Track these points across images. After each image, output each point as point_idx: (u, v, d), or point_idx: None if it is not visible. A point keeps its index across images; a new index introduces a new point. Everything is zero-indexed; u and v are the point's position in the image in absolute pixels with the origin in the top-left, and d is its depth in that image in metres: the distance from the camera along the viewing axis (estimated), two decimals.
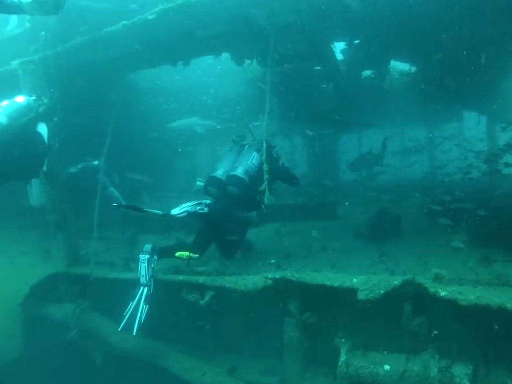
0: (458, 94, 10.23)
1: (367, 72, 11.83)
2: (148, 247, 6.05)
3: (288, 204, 10.11)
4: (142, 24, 6.88)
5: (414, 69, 11.08)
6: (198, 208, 6.16)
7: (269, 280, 5.08)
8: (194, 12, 6.46)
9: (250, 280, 5.25)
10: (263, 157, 6.22)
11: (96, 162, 10.26)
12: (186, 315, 6.13)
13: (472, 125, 14.58)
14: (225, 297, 5.69)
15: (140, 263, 5.92)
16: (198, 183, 6.71)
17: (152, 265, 5.93)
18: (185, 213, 6.09)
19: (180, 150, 14.39)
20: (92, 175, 9.90)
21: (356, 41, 9.42)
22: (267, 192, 6.14)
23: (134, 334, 5.62)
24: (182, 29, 6.95)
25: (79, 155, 9.93)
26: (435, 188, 11.21)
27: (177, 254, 6.13)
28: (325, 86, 12.89)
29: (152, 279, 5.84)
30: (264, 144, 6.27)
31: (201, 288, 5.78)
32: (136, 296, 5.80)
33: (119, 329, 5.82)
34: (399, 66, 11.73)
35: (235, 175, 6.36)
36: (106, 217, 10.07)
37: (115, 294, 6.85)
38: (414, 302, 4.49)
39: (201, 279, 5.79)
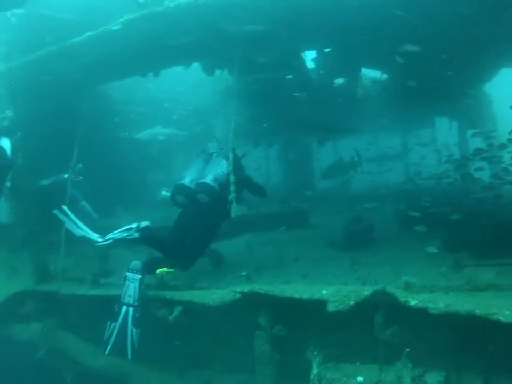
0: (428, 100, 10.33)
1: (339, 81, 11.90)
2: (137, 264, 5.72)
3: (261, 213, 10.04)
4: (107, 35, 6.75)
5: (385, 76, 11.17)
6: (126, 235, 5.72)
7: (237, 294, 4.94)
8: (161, 22, 6.37)
9: (219, 294, 5.11)
10: (230, 168, 6.13)
11: (66, 175, 10.05)
12: (156, 330, 5.93)
13: (444, 131, 14.77)
14: (195, 311, 5.52)
15: (128, 281, 5.57)
16: (163, 193, 6.54)
17: (143, 286, 5.66)
18: (111, 240, 5.69)
19: (148, 163, 14.15)
20: (63, 188, 9.68)
21: (326, 50, 9.46)
22: (234, 204, 6.00)
23: (129, 358, 5.44)
24: (149, 39, 6.84)
25: (47, 168, 9.68)
26: (410, 194, 11.28)
27: (158, 271, 5.88)
28: (298, 94, 12.90)
29: (140, 301, 5.53)
30: (231, 155, 6.16)
31: (170, 303, 5.61)
32: (119, 317, 5.46)
33: (106, 353, 5.55)
34: (370, 73, 11.81)
35: (205, 183, 6.24)
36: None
37: (84, 311, 6.66)
38: (386, 312, 4.40)
39: (169, 294, 5.63)
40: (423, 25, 6.95)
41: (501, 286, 4.56)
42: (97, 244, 5.75)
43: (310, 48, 8.82)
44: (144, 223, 5.91)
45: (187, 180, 6.32)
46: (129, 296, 5.54)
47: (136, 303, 5.47)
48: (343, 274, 5.68)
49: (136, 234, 5.72)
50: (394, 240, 7.41)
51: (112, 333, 5.39)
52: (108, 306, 5.69)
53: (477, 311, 3.63)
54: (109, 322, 5.44)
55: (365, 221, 7.66)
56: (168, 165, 16.47)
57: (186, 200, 6.30)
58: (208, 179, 6.23)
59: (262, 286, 4.90)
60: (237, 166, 6.66)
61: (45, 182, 9.73)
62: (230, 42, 6.75)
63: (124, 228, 5.76)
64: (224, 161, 6.56)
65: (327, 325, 4.76)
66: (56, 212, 5.92)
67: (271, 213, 10.17)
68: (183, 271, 6.13)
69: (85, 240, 5.86)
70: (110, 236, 5.67)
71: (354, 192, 15.34)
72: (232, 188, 6.02)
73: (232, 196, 6.05)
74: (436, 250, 6.06)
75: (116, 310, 5.46)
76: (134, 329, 5.37)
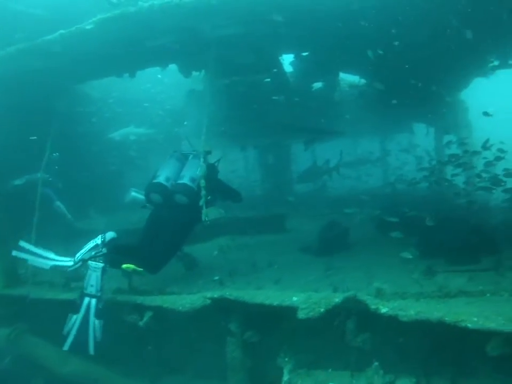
0: (405, 105, 10.42)
1: (318, 84, 11.93)
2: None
3: (237, 217, 9.97)
4: (80, 34, 6.59)
5: (363, 81, 11.22)
6: (94, 253, 5.53)
7: (207, 300, 4.85)
8: (135, 23, 6.24)
9: (189, 300, 5.00)
10: (201, 172, 6.01)
11: (39, 174, 9.82)
12: (128, 336, 5.79)
13: (422, 137, 14.92)
14: (166, 316, 5.40)
15: (89, 270, 5.39)
16: (132, 193, 6.36)
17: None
18: (81, 262, 5.52)
19: (125, 164, 13.94)
20: (36, 188, 9.47)
21: (304, 54, 9.47)
22: (204, 209, 5.88)
23: (92, 353, 5.23)
24: (123, 39, 6.71)
25: (19, 167, 9.44)
26: (387, 198, 11.35)
27: (124, 266, 5.62)
28: (276, 97, 12.88)
29: (103, 292, 5.35)
30: (202, 159, 6.06)
31: (140, 308, 5.47)
32: (81, 309, 5.24)
33: (64, 349, 5.29)
34: (348, 78, 11.87)
35: (184, 184, 6.08)
36: (50, 232, 9.66)
37: (55, 316, 6.46)
38: (358, 318, 4.37)
39: (140, 299, 5.49)
40: (397, 33, 7.03)
41: (471, 293, 4.57)
42: (70, 270, 5.57)
43: (287, 51, 8.78)
44: (109, 235, 5.73)
45: (162, 179, 6.12)
46: (91, 286, 5.35)
47: (99, 294, 5.29)
48: (316, 280, 5.64)
49: (104, 250, 5.56)
50: (369, 245, 7.40)
51: (73, 326, 5.18)
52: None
53: (446, 319, 3.62)
54: (70, 315, 5.22)
55: (340, 226, 7.62)
56: (146, 166, 16.24)
57: (162, 200, 6.11)
58: (186, 180, 6.09)
59: (232, 292, 4.82)
60: (212, 169, 6.59)
61: (18, 182, 9.47)
62: (205, 43, 6.66)
63: (91, 246, 5.58)
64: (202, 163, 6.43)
65: (298, 331, 4.72)
66: (14, 253, 5.69)
67: (247, 217, 10.10)
68: (152, 274, 5.92)
69: (57, 270, 5.67)
70: (79, 257, 5.49)
71: (332, 195, 15.39)
72: (203, 192, 5.90)
73: (202, 201, 5.91)
74: (410, 256, 6.06)
75: (78, 301, 5.28)
76: (97, 321, 5.16)
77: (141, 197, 6.33)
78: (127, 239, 6.26)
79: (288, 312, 4.33)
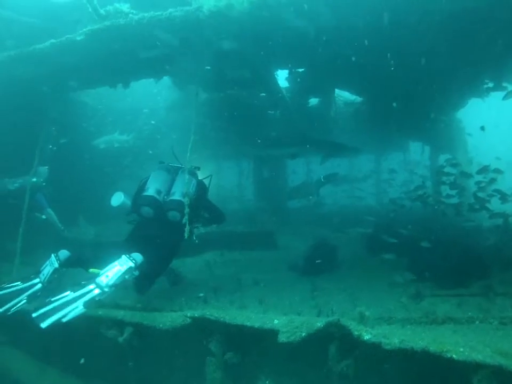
0: (401, 124, 10.39)
1: (314, 101, 11.90)
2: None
3: (227, 232, 9.84)
4: (70, 44, 6.52)
5: (358, 98, 11.20)
6: (128, 276, 4.99)
7: (188, 319, 4.70)
8: (124, 35, 6.17)
9: (169, 317, 4.86)
10: (187, 190, 5.79)
11: (34, 179, 9.70)
12: (108, 350, 5.61)
13: (417, 155, 14.88)
14: (147, 333, 5.23)
15: (48, 263, 5.27)
16: (123, 198, 6.00)
17: (55, 275, 5.24)
18: (113, 289, 4.87)
19: (118, 172, 13.85)
20: (30, 193, 9.34)
21: (300, 70, 9.45)
22: (187, 226, 5.70)
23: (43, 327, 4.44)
24: (114, 51, 6.64)
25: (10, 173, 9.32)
26: (380, 217, 11.23)
27: (91, 269, 5.07)
28: (272, 112, 12.86)
29: (112, 288, 4.79)
30: (187, 176, 5.89)
31: (120, 324, 5.30)
32: (80, 289, 4.69)
33: (33, 315, 4.53)
34: (345, 95, 11.85)
35: (178, 200, 5.77)
36: (39, 239, 9.50)
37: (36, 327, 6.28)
38: (341, 343, 4.21)
39: (120, 314, 5.32)
40: (393, 53, 7.00)
41: (459, 319, 4.47)
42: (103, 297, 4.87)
43: (281, 67, 8.74)
44: (138, 258, 5.17)
45: (153, 191, 5.79)
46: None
47: (107, 289, 4.73)
48: (301, 301, 5.49)
49: (137, 272, 5.11)
50: (358, 265, 7.28)
51: (61, 299, 4.59)
52: None
53: (430, 348, 3.47)
54: (68, 290, 4.71)
55: (327, 245, 7.49)
56: (140, 174, 16.10)
57: (153, 214, 5.78)
58: (179, 196, 5.82)
59: (213, 312, 4.66)
60: (202, 187, 6.39)
61: (11, 187, 9.31)
62: (197, 57, 6.60)
63: (123, 270, 4.93)
64: (193, 180, 6.17)
65: (280, 354, 4.54)
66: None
67: (237, 232, 9.97)
68: (140, 295, 5.67)
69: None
70: (111, 283, 4.78)
71: (326, 212, 15.30)
72: (186, 209, 5.69)
73: (185, 218, 5.70)
74: (401, 280, 5.94)
75: (83, 282, 4.81)
76: (82, 308, 4.57)
77: (129, 203, 6.04)
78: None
79: (269, 335, 4.17)
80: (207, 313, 4.62)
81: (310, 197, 13.64)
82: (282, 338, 4.00)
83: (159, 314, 5.06)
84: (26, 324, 6.09)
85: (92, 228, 11.19)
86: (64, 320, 4.43)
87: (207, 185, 6.55)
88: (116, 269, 4.82)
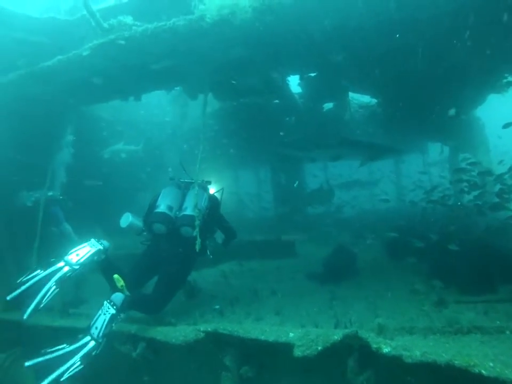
0: (418, 125, 10.13)
1: (329, 105, 11.73)
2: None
3: (246, 241, 9.70)
4: (78, 60, 6.50)
5: (374, 100, 10.97)
6: (114, 324, 4.92)
7: (201, 333, 4.56)
8: (130, 47, 6.13)
9: (182, 332, 4.72)
10: (196, 202, 5.69)
11: (51, 193, 9.75)
12: (122, 365, 5.50)
13: (436, 156, 14.55)
14: (162, 347, 5.10)
15: (101, 311, 4.84)
16: (131, 219, 5.93)
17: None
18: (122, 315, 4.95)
19: (137, 185, 13.87)
20: (46, 207, 9.39)
21: (312, 74, 9.30)
22: (198, 240, 5.53)
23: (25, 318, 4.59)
24: (121, 64, 6.62)
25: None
26: (400, 220, 10.96)
27: (115, 275, 5.12)
28: (287, 118, 12.75)
29: (105, 339, 4.71)
30: (196, 188, 5.79)
31: (134, 339, 5.19)
32: (76, 343, 4.57)
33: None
34: (359, 98, 11.64)
35: (191, 216, 5.62)
36: (53, 254, 9.51)
37: (51, 342, 6.23)
38: (360, 355, 4.00)
39: (133, 329, 5.21)
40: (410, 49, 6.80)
41: (487, 329, 4.18)
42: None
43: (293, 72, 8.58)
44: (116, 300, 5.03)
45: (164, 208, 5.68)
46: (96, 328, 4.69)
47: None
48: (319, 311, 5.30)
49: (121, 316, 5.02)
50: (379, 271, 7.03)
51: (56, 352, 4.48)
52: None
53: (456, 362, 3.23)
54: (64, 343, 4.60)
55: (347, 251, 7.28)
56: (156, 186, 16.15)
57: (166, 230, 5.66)
58: (191, 211, 5.68)
59: (226, 326, 4.50)
60: (214, 201, 6.30)
61: (28, 203, 9.34)
62: (205, 67, 6.52)
63: (108, 321, 4.83)
64: (205, 194, 6.08)
65: (297, 367, 4.35)
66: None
67: (255, 240, 9.82)
68: (154, 314, 5.50)
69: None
70: (101, 334, 4.70)
71: (347, 218, 15.05)
72: (197, 222, 5.55)
73: (196, 231, 5.55)
74: (422, 287, 5.71)
75: (80, 336, 4.67)
76: (78, 363, 4.43)
77: (138, 223, 5.94)
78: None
79: (285, 348, 4.00)
80: (221, 327, 4.47)
81: (327, 203, 13.47)
82: (297, 352, 3.82)
83: (172, 329, 4.93)
84: (41, 338, 6.15)
85: (109, 239, 11.17)
86: (62, 379, 4.34)
87: (219, 199, 6.46)
88: (101, 319, 4.78)
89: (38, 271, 4.82)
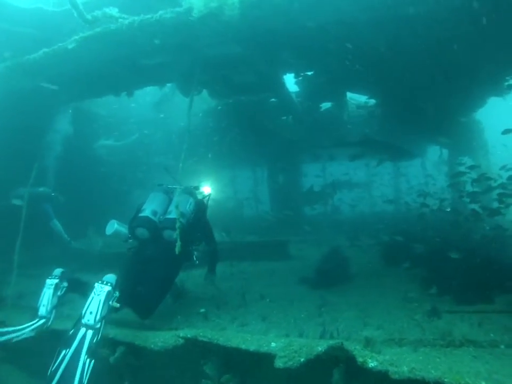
0: (417, 127, 9.93)
1: (326, 105, 11.52)
2: (57, 270, 4.92)
3: (238, 242, 9.52)
4: (63, 53, 6.29)
5: (372, 101, 10.74)
6: (111, 301, 4.62)
7: (180, 339, 4.35)
8: (117, 41, 5.91)
9: (161, 338, 4.51)
10: (176, 201, 5.59)
11: (42, 189, 9.58)
12: (102, 369, 5.28)
13: (435, 158, 14.34)
14: (140, 352, 4.89)
15: (93, 294, 4.50)
16: (116, 226, 5.81)
17: (58, 293, 4.76)
18: (103, 321, 4.48)
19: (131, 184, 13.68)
20: (37, 203, 9.20)
21: (309, 73, 9.09)
22: (178, 242, 5.38)
23: None
24: (109, 57, 6.42)
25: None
26: (397, 224, 10.78)
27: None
28: (284, 118, 12.55)
29: (103, 321, 4.40)
30: (178, 188, 5.71)
31: (112, 343, 4.97)
32: (73, 342, 4.18)
33: None
34: (357, 97, 11.41)
35: (174, 219, 5.53)
36: (44, 252, 9.33)
37: (34, 345, 6.03)
38: (347, 367, 3.79)
39: (112, 332, 4.99)
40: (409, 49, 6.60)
41: (480, 343, 3.96)
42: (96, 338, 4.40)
43: (288, 71, 8.35)
44: (111, 278, 4.73)
45: (148, 212, 5.61)
46: (43, 306, 4.62)
47: (98, 325, 4.34)
48: (307, 318, 5.08)
49: (117, 293, 4.72)
50: (373, 277, 6.83)
51: (61, 364, 4.06)
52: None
53: (445, 380, 3.00)
54: (59, 349, 4.17)
55: (340, 255, 7.07)
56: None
57: (149, 235, 5.57)
58: (175, 215, 5.57)
59: (207, 332, 4.30)
60: (201, 206, 6.25)
61: (17, 201, 9.14)
62: (197, 63, 6.33)
63: (103, 298, 4.54)
64: (191, 199, 5.99)
65: (282, 377, 4.13)
66: None
67: (248, 242, 9.64)
68: (144, 319, 5.29)
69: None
70: (98, 317, 4.40)
71: (344, 219, 14.87)
72: (178, 224, 5.42)
73: (177, 233, 5.42)
74: (415, 295, 5.53)
75: (71, 333, 4.29)
76: (88, 360, 4.11)
77: (124, 230, 5.82)
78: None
79: (266, 359, 3.78)
80: (200, 334, 4.26)
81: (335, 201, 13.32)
82: (279, 363, 3.60)
83: (151, 334, 4.72)
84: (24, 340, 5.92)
85: (100, 239, 11.00)
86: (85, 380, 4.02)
87: (206, 205, 6.45)
88: (96, 300, 4.44)
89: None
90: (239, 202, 16.41)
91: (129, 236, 5.74)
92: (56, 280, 4.87)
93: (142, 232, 5.58)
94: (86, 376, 4.04)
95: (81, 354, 4.12)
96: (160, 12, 5.38)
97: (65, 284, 4.93)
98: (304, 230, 11.34)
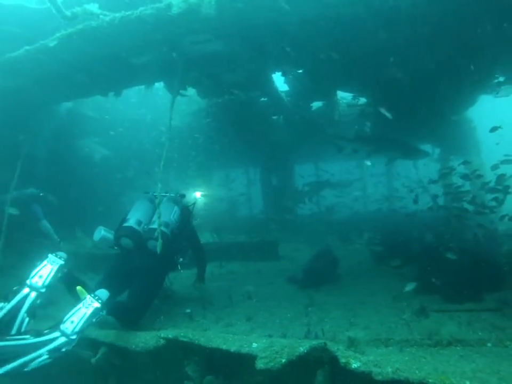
0: (409, 125, 9.84)
1: (317, 104, 11.42)
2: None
3: (228, 242, 9.44)
4: (45, 51, 6.16)
5: (363, 99, 10.66)
6: (96, 319, 4.43)
7: (161, 340, 4.24)
8: (100, 37, 5.79)
9: (142, 338, 4.39)
10: (157, 202, 5.57)
11: (30, 190, 9.46)
12: (86, 369, 5.15)
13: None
14: (122, 353, 4.76)
15: (82, 304, 4.32)
16: (103, 232, 5.74)
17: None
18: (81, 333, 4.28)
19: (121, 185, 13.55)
20: (25, 204, 9.10)
21: (299, 71, 9.00)
22: (159, 240, 5.32)
23: None
24: (93, 54, 6.30)
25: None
26: (388, 223, 10.71)
27: (78, 287, 4.59)
28: (275, 117, 12.47)
29: (79, 335, 4.18)
30: (162, 196, 5.71)
31: (94, 344, 4.84)
32: (43, 337, 4.03)
33: None
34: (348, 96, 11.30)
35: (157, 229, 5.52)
36: (33, 253, 9.18)
37: None
38: (331, 368, 3.68)
39: (94, 333, 4.86)
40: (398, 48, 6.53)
41: (468, 341, 3.88)
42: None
43: (276, 69, 8.23)
44: (103, 294, 4.73)
45: (133, 222, 5.57)
46: (40, 277, 4.49)
47: (43, 290, 4.45)
48: (293, 318, 4.98)
49: (104, 312, 4.57)
50: (363, 276, 6.77)
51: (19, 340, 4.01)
52: None
53: (430, 381, 2.89)
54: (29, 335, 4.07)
55: (330, 255, 6.97)
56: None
57: (133, 245, 5.52)
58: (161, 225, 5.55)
59: (188, 333, 4.18)
60: (187, 213, 6.24)
61: (13, 211, 9.01)
62: (182, 61, 6.22)
63: (90, 313, 4.33)
64: (176, 207, 5.96)
65: (265, 379, 4.02)
66: None
67: (238, 242, 9.55)
68: (131, 326, 5.09)
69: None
70: (77, 329, 4.20)
71: (337, 219, 14.78)
72: (158, 231, 5.38)
73: (158, 231, 5.37)
74: (404, 294, 5.43)
75: (15, 289, 4.37)
76: (27, 318, 4.21)
77: (110, 236, 5.75)
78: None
79: (248, 359, 3.67)
80: (181, 334, 4.15)
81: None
82: (260, 364, 3.49)
83: (132, 334, 4.59)
84: None
85: (89, 240, 10.87)
86: (26, 369, 3.87)
87: (191, 212, 6.46)
88: (81, 312, 4.28)
89: (1, 303, 4.25)
90: (232, 203, 16.29)
91: (114, 244, 5.70)
92: (62, 262, 4.77)
93: (126, 242, 5.54)
94: (33, 365, 3.90)
95: (42, 347, 3.97)
96: (141, 9, 5.28)
97: (65, 270, 4.82)
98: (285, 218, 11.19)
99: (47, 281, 4.51)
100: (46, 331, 4.14)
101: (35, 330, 4.15)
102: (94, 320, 4.36)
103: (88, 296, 4.44)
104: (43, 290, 4.45)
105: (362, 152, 10.39)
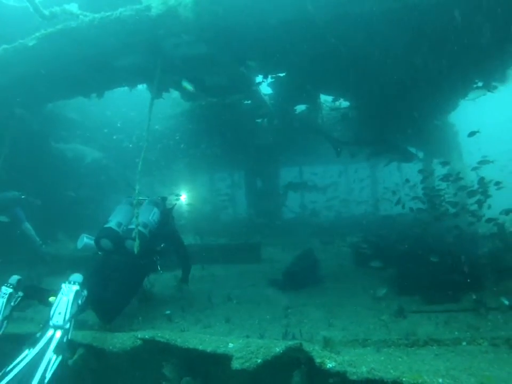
0: (392, 129, 9.93)
1: (302, 107, 11.46)
2: (14, 278, 4.73)
3: (210, 245, 9.38)
4: (24, 50, 6.09)
5: (345, 103, 10.74)
6: (81, 301, 4.47)
7: (138, 340, 4.20)
8: (80, 38, 5.74)
9: (119, 339, 4.35)
10: (136, 211, 5.64)
11: (11, 193, 9.35)
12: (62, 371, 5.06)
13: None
14: (101, 354, 4.69)
15: (60, 294, 4.35)
16: (85, 240, 5.75)
17: (12, 303, 4.54)
18: (73, 321, 4.33)
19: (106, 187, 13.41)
20: (8, 207, 9.01)
21: (281, 74, 9.01)
22: (137, 240, 5.35)
23: None
24: (74, 56, 6.23)
25: None
26: (370, 226, 10.79)
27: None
28: (259, 120, 12.47)
29: (72, 321, 4.26)
30: (140, 199, 5.80)
31: (71, 345, 4.76)
32: (39, 342, 4.03)
33: None
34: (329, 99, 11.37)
35: (134, 229, 5.59)
36: (14, 256, 9.05)
37: None
38: (309, 368, 3.67)
39: (71, 334, 4.79)
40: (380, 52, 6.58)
41: (444, 341, 3.91)
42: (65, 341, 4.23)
43: (259, 72, 8.23)
44: (78, 278, 4.58)
45: (113, 224, 5.65)
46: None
47: (67, 325, 4.21)
48: (272, 320, 4.98)
49: (85, 292, 4.58)
50: (343, 278, 6.78)
51: (19, 363, 3.88)
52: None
53: (403, 379, 2.91)
54: (24, 347, 4.01)
55: (311, 258, 6.98)
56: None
57: (112, 246, 5.58)
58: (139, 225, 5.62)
59: (165, 334, 4.15)
60: (167, 215, 6.29)
61: (2, 218, 8.92)
62: (164, 63, 6.20)
63: (72, 298, 4.38)
64: (155, 209, 6.00)
65: (243, 379, 4.00)
66: None
67: (220, 244, 9.50)
68: (105, 324, 5.14)
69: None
70: (68, 317, 4.26)
71: (321, 222, 14.80)
72: (135, 231, 5.43)
73: (135, 233, 5.41)
74: (382, 294, 5.47)
75: (38, 334, 4.14)
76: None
77: (93, 243, 5.76)
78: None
79: (223, 360, 3.65)
80: (158, 335, 4.12)
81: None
82: (235, 365, 3.48)
83: (110, 335, 4.54)
84: None
85: (71, 243, 10.76)
86: (47, 381, 3.79)
87: (172, 214, 6.55)
88: (64, 301, 4.29)
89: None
90: (216, 205, 16.25)
91: (96, 249, 5.71)
92: (11, 290, 4.64)
93: (105, 242, 5.58)
94: (50, 373, 3.86)
95: (45, 354, 3.96)
96: (120, 9, 5.26)
97: (20, 294, 4.72)
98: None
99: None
100: (38, 334, 4.13)
101: (28, 340, 4.10)
102: (79, 302, 4.39)
103: (63, 285, 4.42)
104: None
105: (361, 155, 10.53)
